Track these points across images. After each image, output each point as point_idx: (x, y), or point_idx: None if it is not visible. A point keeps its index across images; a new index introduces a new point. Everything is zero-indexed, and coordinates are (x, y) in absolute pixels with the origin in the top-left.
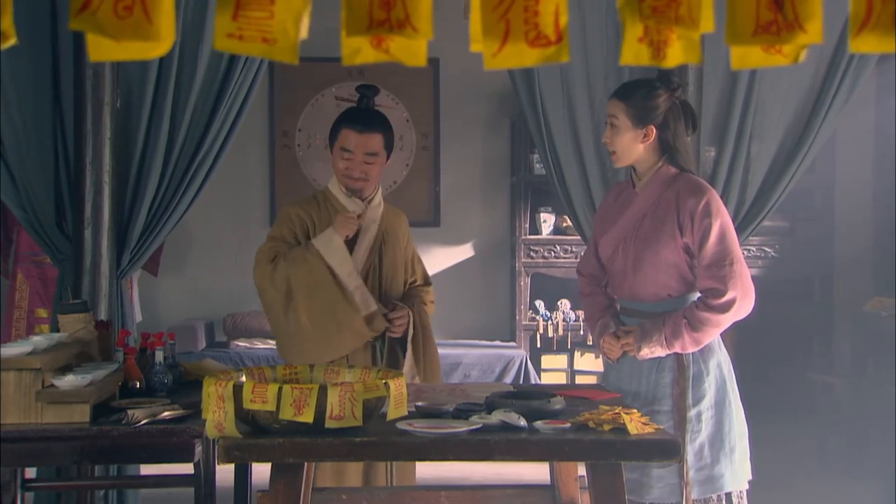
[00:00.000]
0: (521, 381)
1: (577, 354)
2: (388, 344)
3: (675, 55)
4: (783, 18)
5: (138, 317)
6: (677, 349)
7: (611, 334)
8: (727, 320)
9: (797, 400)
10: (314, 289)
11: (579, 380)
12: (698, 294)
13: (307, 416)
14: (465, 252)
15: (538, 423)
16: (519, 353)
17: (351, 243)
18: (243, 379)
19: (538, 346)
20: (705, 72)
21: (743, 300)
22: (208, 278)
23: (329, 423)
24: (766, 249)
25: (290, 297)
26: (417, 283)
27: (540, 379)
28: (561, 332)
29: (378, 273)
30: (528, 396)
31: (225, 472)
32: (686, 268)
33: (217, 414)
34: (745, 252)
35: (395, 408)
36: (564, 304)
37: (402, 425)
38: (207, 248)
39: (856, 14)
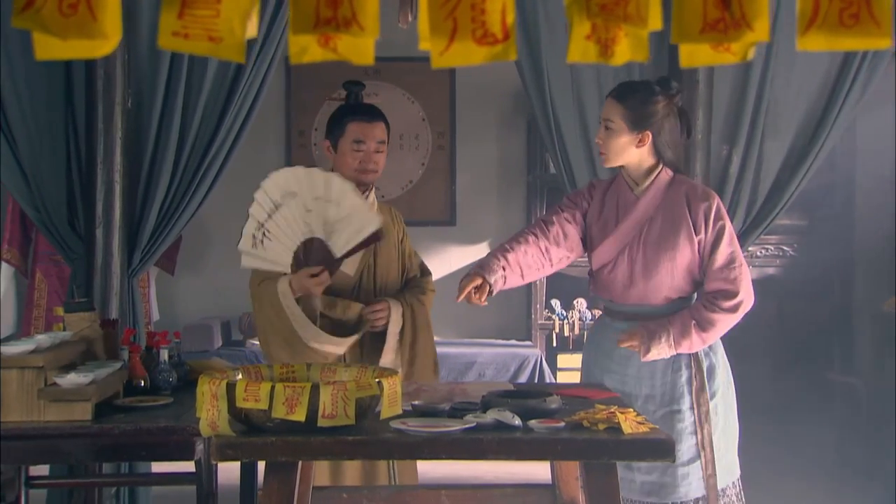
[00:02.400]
0: (536, 381)
1: None
2: (371, 336)
3: (623, 53)
4: (730, 16)
5: (155, 315)
6: (684, 349)
7: (477, 274)
8: (734, 321)
9: (816, 400)
10: (284, 344)
11: None
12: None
13: (299, 415)
14: (481, 251)
15: (532, 423)
16: (534, 352)
17: None
18: (239, 377)
19: (554, 345)
20: (716, 70)
21: (747, 301)
22: (225, 277)
23: (321, 422)
24: (785, 248)
25: (267, 337)
26: (416, 275)
27: (555, 378)
28: (577, 331)
29: (373, 272)
30: (524, 395)
31: (232, 471)
32: (697, 270)
33: (211, 412)
34: (763, 251)
35: (389, 406)
36: (580, 303)
37: (395, 424)
38: (224, 247)
39: (803, 12)
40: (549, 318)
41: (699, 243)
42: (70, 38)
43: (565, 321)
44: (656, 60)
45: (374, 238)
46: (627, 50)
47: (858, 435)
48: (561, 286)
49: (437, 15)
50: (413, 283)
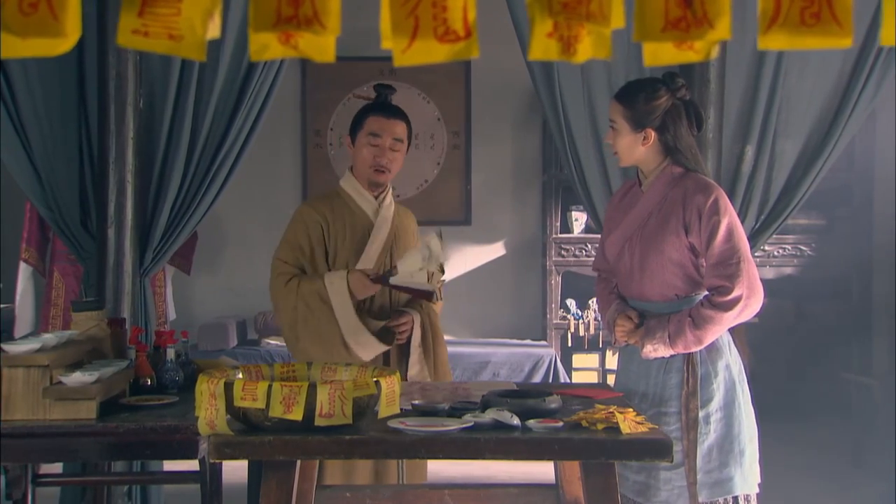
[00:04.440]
0: (551, 380)
1: (608, 353)
2: (397, 348)
3: (585, 50)
4: (692, 15)
5: (172, 315)
6: (680, 348)
7: (625, 315)
8: (731, 318)
9: (833, 401)
10: (316, 341)
11: (611, 379)
12: (706, 293)
13: (296, 414)
14: (496, 251)
15: (531, 422)
16: (548, 351)
17: (363, 243)
18: (240, 376)
19: (569, 345)
20: (728, 68)
21: (749, 299)
22: (241, 277)
23: (319, 421)
24: (803, 248)
25: (297, 333)
26: None
27: (570, 378)
28: (592, 330)
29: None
30: (523, 395)
31: (240, 469)
32: (691, 267)
33: (209, 411)
34: (781, 250)
35: (387, 406)
36: (596, 303)
37: (393, 423)
38: (240, 246)
39: (764, 11)
40: (565, 318)
41: (692, 242)
42: (30, 36)
43: (580, 321)
44: None
45: (424, 295)
46: (590, 48)
47: (875, 435)
48: (576, 286)
49: (399, 13)
50: None
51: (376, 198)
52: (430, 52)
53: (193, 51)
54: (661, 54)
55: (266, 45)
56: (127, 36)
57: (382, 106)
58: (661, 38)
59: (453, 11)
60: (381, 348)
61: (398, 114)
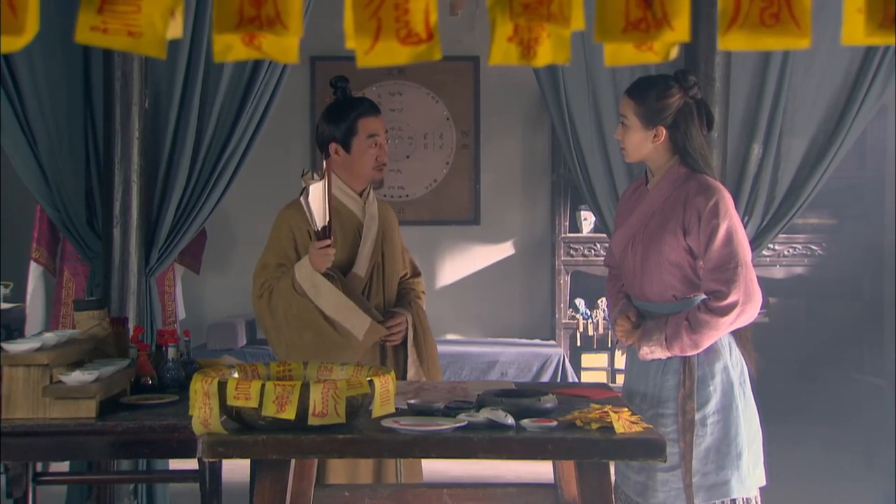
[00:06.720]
0: (559, 380)
1: (617, 353)
2: (392, 350)
3: (545, 54)
4: (652, 16)
5: (181, 314)
6: (676, 351)
7: (624, 315)
8: (726, 324)
9: (844, 401)
10: (303, 329)
11: (619, 378)
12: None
13: (289, 413)
14: (505, 250)
15: (525, 422)
16: (557, 351)
17: (355, 243)
18: (235, 375)
19: (578, 344)
20: (733, 67)
21: (745, 305)
22: (250, 276)
23: (312, 421)
24: (813, 247)
25: (281, 334)
26: (408, 275)
27: (579, 378)
28: (601, 330)
29: (381, 270)
30: (519, 394)
31: (243, 468)
32: (689, 269)
33: (203, 410)
34: (791, 249)
35: (381, 405)
36: (605, 302)
37: (387, 422)
38: (250, 245)
39: (724, 11)
40: (574, 318)
41: (689, 244)
42: None
43: (589, 320)
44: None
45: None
46: (549, 51)
47: (887, 436)
48: (585, 285)
49: (362, 15)
50: (406, 285)
51: (360, 195)
52: (392, 53)
53: (153, 48)
54: (621, 55)
55: (230, 46)
56: (85, 33)
57: (365, 103)
58: (621, 39)
59: (415, 14)
60: (368, 321)
61: (378, 107)
